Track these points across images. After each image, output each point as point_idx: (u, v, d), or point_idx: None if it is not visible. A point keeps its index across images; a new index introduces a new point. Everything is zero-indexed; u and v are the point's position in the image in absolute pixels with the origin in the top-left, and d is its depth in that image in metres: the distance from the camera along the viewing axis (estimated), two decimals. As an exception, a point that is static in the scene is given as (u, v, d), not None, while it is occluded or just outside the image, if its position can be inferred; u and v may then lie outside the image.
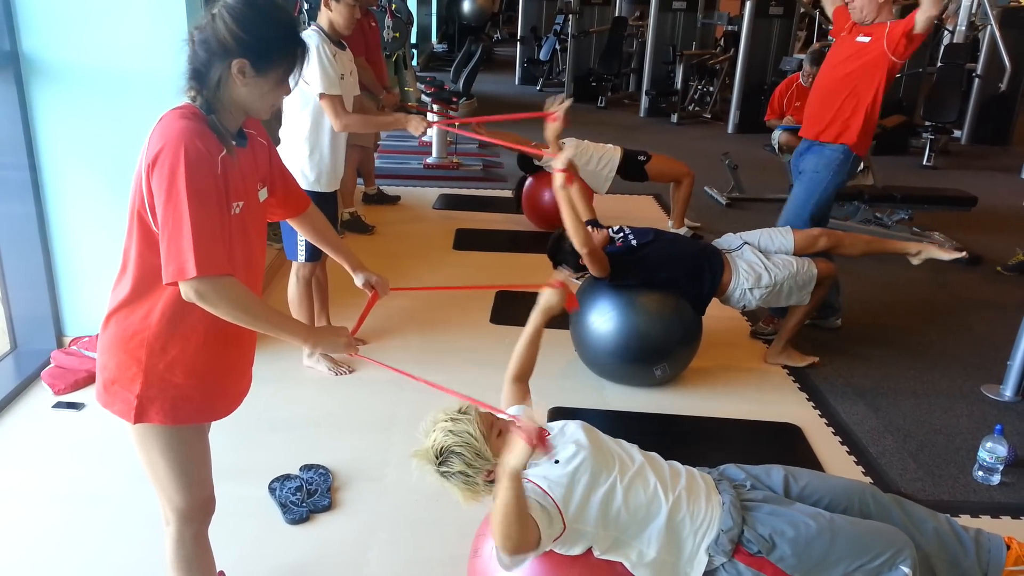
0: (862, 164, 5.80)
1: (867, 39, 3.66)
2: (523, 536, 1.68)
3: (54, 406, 3.08)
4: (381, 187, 6.16)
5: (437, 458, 1.84)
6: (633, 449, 1.99)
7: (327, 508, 2.56)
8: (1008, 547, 1.94)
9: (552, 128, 3.29)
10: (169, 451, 1.73)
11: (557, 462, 1.85)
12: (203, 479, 1.83)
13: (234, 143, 1.62)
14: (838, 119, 3.76)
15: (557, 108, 3.20)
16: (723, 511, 1.84)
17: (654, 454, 2.02)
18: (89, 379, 3.18)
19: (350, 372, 3.44)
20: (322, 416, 3.13)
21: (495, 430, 1.87)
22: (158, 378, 1.66)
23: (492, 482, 1.85)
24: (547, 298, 2.23)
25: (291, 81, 1.65)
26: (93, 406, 2.98)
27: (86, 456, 2.78)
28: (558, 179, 2.88)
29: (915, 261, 3.46)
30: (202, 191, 1.52)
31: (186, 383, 1.68)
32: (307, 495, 2.58)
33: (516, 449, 1.59)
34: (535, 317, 2.25)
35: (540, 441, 1.60)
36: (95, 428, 2.93)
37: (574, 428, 1.98)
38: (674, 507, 1.82)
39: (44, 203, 3.32)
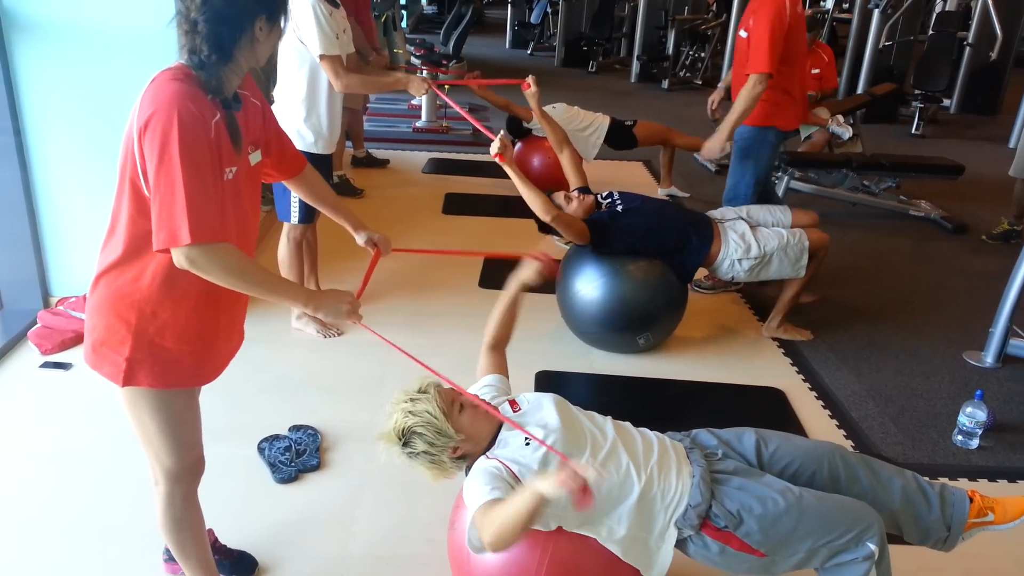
0: (850, 132, 5.81)
1: (744, 35, 3.66)
2: (515, 543, 1.68)
3: (41, 366, 3.08)
4: (370, 150, 6.13)
5: (400, 439, 1.82)
6: (606, 423, 1.96)
7: (316, 468, 2.58)
8: (971, 500, 1.98)
9: (530, 95, 3.53)
10: (158, 414, 1.72)
11: (528, 443, 1.83)
12: (192, 441, 1.83)
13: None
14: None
15: (528, 80, 3.49)
16: (692, 485, 1.85)
17: (627, 425, 2.00)
18: (76, 339, 3.17)
19: (339, 334, 3.44)
20: (311, 377, 3.14)
21: (456, 406, 1.85)
22: (147, 342, 1.64)
23: (460, 458, 1.85)
24: (525, 269, 2.20)
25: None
26: (80, 366, 2.98)
27: (74, 415, 2.79)
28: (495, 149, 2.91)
29: None
30: (195, 156, 1.49)
31: (176, 348, 1.67)
32: (296, 455, 2.60)
33: (554, 484, 1.52)
34: (512, 286, 2.23)
35: (581, 498, 1.51)
36: (83, 388, 2.93)
37: (548, 406, 1.94)
38: (646, 486, 1.82)
39: (29, 163, 3.29)
